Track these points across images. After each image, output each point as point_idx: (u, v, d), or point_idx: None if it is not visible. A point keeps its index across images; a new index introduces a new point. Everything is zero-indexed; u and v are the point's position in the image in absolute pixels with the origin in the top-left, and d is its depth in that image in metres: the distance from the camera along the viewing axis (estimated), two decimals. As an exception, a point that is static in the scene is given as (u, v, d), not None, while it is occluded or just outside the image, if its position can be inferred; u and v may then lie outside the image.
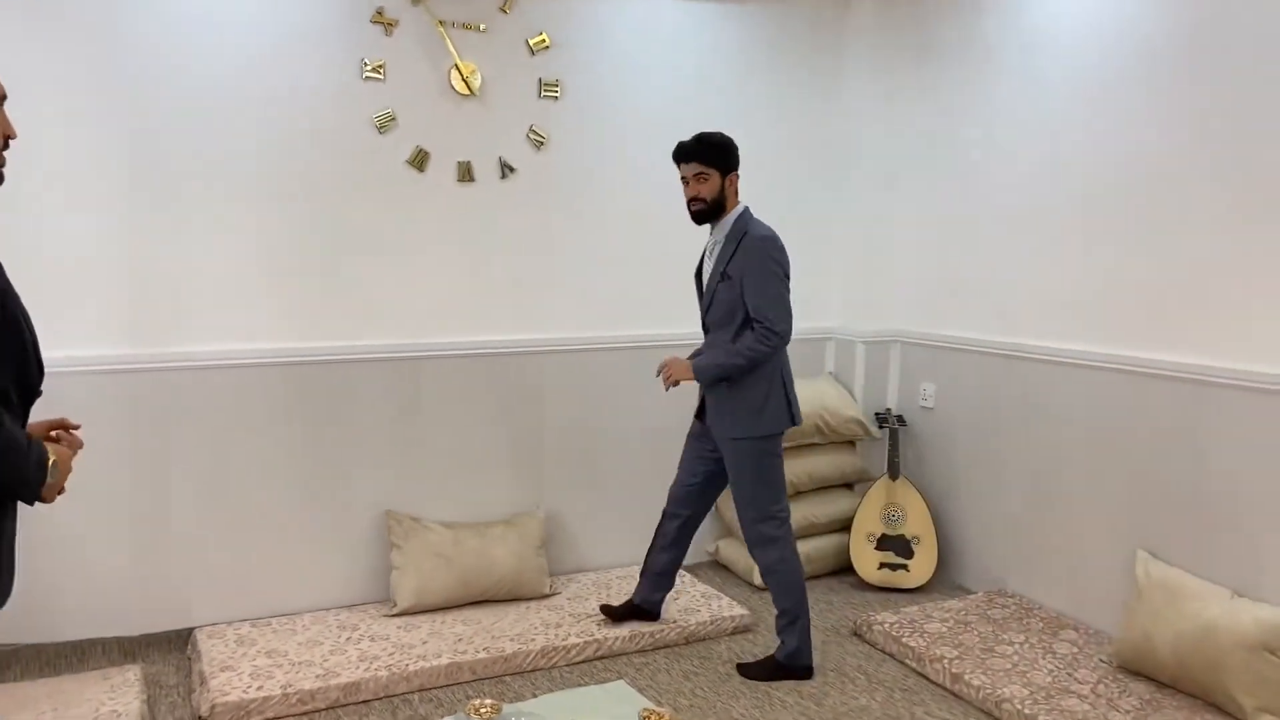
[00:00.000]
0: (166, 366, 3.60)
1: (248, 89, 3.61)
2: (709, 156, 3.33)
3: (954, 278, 4.45)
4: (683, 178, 3.40)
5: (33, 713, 3.03)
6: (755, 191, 4.57)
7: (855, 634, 3.88)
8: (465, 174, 3.98)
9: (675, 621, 3.81)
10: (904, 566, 4.34)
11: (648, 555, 3.78)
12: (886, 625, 3.78)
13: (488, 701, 2.58)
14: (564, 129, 4.14)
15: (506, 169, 4.04)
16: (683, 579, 4.23)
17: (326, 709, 3.23)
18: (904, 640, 3.65)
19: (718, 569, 4.59)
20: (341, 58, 3.75)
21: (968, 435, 4.37)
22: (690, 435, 3.68)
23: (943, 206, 4.48)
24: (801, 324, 4.75)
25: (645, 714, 2.58)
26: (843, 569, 4.50)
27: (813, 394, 4.56)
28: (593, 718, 3.03)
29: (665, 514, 3.73)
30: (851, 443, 4.69)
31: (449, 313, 4.03)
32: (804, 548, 4.42)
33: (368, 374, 3.89)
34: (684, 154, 3.36)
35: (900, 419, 4.58)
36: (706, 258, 3.52)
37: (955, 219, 4.42)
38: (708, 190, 3.36)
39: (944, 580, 4.44)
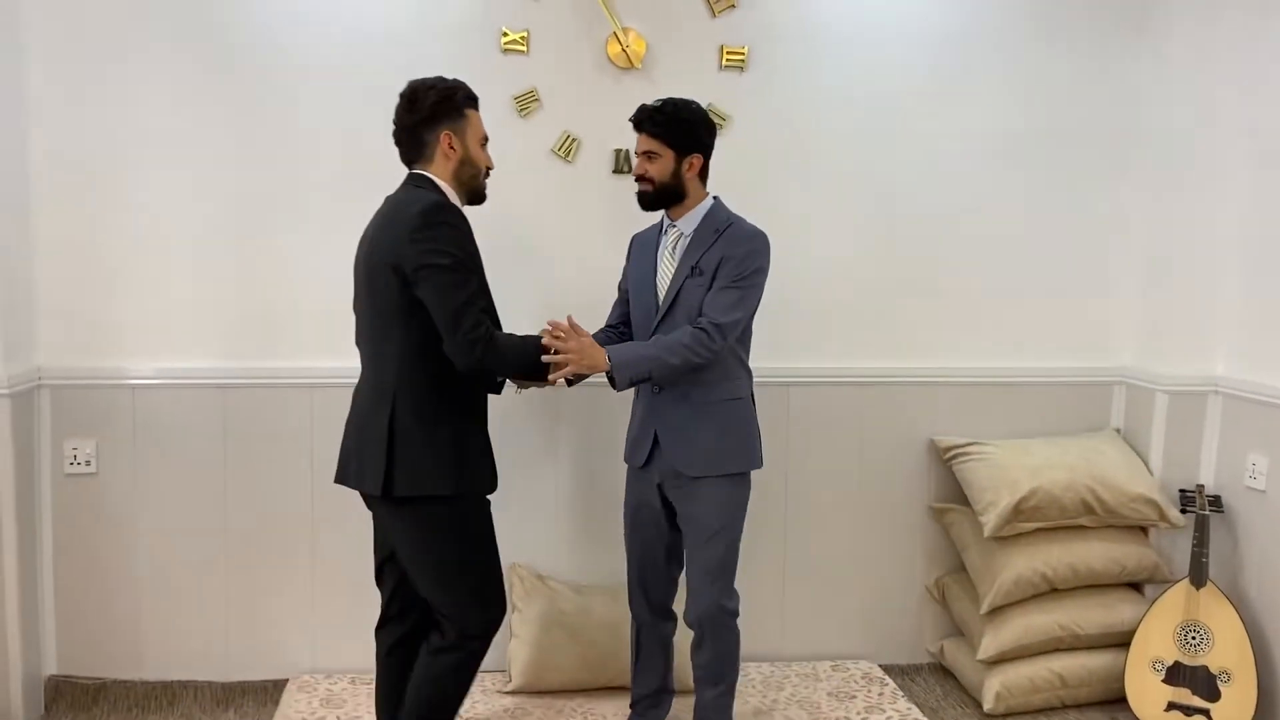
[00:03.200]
0: (269, 383, 3.23)
1: (365, 67, 3.15)
2: (660, 130, 2.65)
3: (1307, 307, 3.13)
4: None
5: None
6: (1008, 187, 3.51)
7: (1111, 809, 2.75)
8: (623, 164, 3.29)
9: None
10: (1204, 712, 3.09)
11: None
12: (1156, 808, 2.62)
13: None
14: (750, 108, 3.33)
15: (675, 158, 3.30)
16: (883, 688, 3.26)
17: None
18: (1178, 840, 2.49)
19: (940, 675, 3.55)
20: (476, 26, 3.20)
21: (1317, 534, 3.03)
22: (638, 505, 2.83)
23: (1293, 205, 3.17)
24: (1073, 361, 3.62)
25: None
26: (1114, 700, 3.30)
27: (1085, 455, 3.40)
28: None
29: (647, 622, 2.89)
30: (1141, 529, 3.46)
31: (596, 326, 3.33)
32: (1061, 665, 3.30)
33: (494, 398, 3.29)
34: (635, 122, 2.70)
35: (1215, 501, 3.30)
36: (662, 256, 2.77)
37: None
38: (656, 171, 2.68)
39: (1267, 738, 3.13)
